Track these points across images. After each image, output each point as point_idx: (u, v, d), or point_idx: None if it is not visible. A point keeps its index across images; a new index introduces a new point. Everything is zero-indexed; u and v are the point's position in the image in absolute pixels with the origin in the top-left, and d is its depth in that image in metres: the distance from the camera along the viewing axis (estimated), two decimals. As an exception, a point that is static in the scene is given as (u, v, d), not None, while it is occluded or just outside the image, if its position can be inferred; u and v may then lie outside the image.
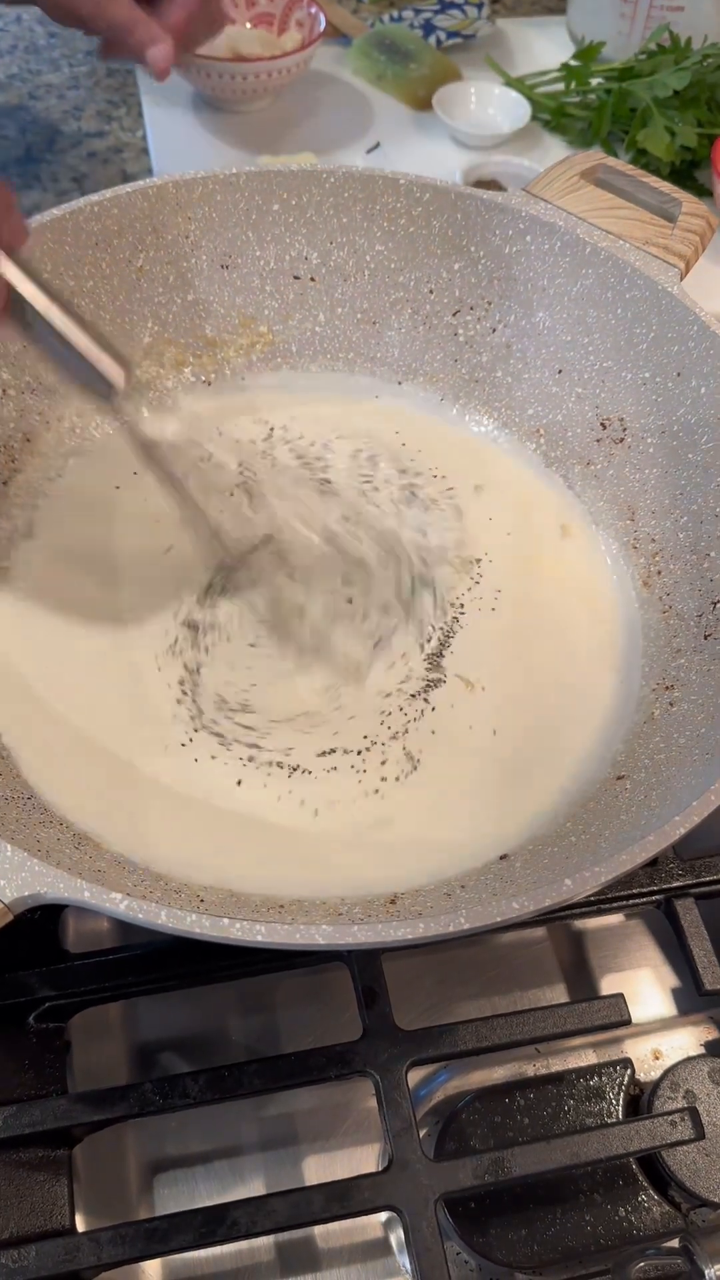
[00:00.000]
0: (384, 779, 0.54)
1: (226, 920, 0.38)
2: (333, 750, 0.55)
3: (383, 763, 0.54)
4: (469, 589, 0.62)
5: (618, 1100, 0.53)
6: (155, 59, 0.65)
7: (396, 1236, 0.51)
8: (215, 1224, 0.45)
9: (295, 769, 0.54)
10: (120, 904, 0.38)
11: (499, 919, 0.39)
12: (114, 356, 0.49)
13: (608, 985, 0.59)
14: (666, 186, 0.64)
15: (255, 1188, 0.52)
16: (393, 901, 0.48)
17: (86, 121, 1.02)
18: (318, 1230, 0.51)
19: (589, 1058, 0.55)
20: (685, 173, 0.99)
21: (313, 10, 1.00)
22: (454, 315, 0.68)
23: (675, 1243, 0.47)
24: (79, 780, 0.52)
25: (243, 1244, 0.50)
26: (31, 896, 0.39)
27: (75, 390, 0.50)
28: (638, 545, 0.63)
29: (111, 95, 1.05)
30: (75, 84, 1.06)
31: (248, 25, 1.02)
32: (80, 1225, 0.48)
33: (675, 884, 0.56)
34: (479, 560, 0.63)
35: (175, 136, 1.00)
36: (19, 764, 0.51)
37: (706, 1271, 0.43)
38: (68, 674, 0.56)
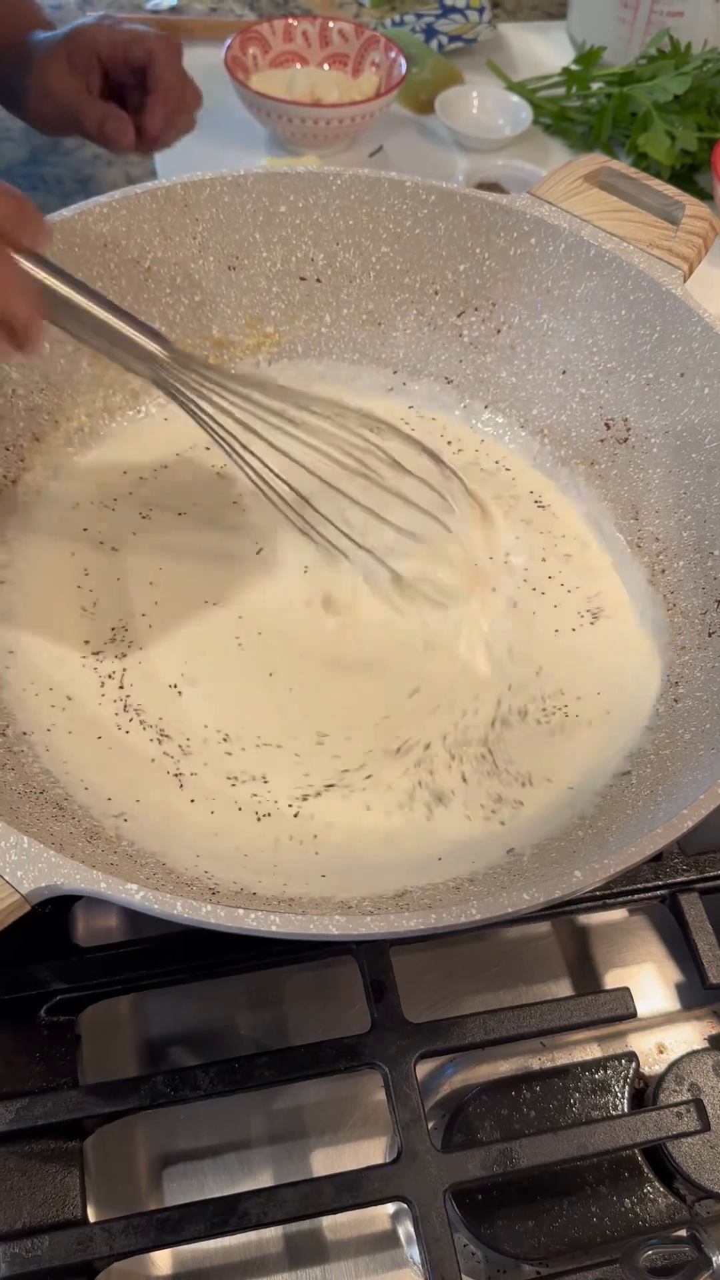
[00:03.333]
0: (392, 775, 0.54)
1: (241, 911, 0.38)
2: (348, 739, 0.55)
3: (398, 751, 0.55)
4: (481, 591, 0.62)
5: (623, 1093, 0.53)
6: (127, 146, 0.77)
7: (403, 1229, 0.51)
8: (226, 1214, 0.45)
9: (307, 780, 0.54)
10: (136, 895, 0.39)
11: (510, 910, 0.40)
12: (148, 333, 0.51)
13: (612, 980, 0.59)
14: (670, 189, 0.65)
15: (264, 1180, 0.52)
16: (401, 895, 0.49)
17: (90, 124, 1.02)
18: (326, 1222, 0.51)
19: (594, 1051, 0.56)
20: (685, 176, 1.00)
21: (392, 54, 0.99)
22: (459, 316, 0.69)
23: (683, 1232, 0.47)
24: (101, 775, 0.52)
25: (251, 1235, 0.50)
26: (48, 887, 0.39)
27: (124, 371, 0.52)
28: (642, 544, 0.63)
29: (115, 98, 1.05)
30: (79, 86, 1.06)
31: (325, 67, 1.02)
32: (91, 1216, 0.48)
33: (680, 879, 0.57)
34: (488, 559, 0.64)
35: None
36: (40, 755, 0.52)
37: (714, 1259, 0.44)
38: (85, 673, 0.56)
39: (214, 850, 0.50)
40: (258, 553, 0.62)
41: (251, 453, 0.56)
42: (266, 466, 0.57)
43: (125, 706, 0.55)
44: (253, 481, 0.58)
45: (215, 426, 0.55)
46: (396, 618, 0.60)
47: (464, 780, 0.54)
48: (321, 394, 0.60)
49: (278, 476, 0.58)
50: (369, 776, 0.54)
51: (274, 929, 0.38)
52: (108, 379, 0.65)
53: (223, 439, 0.55)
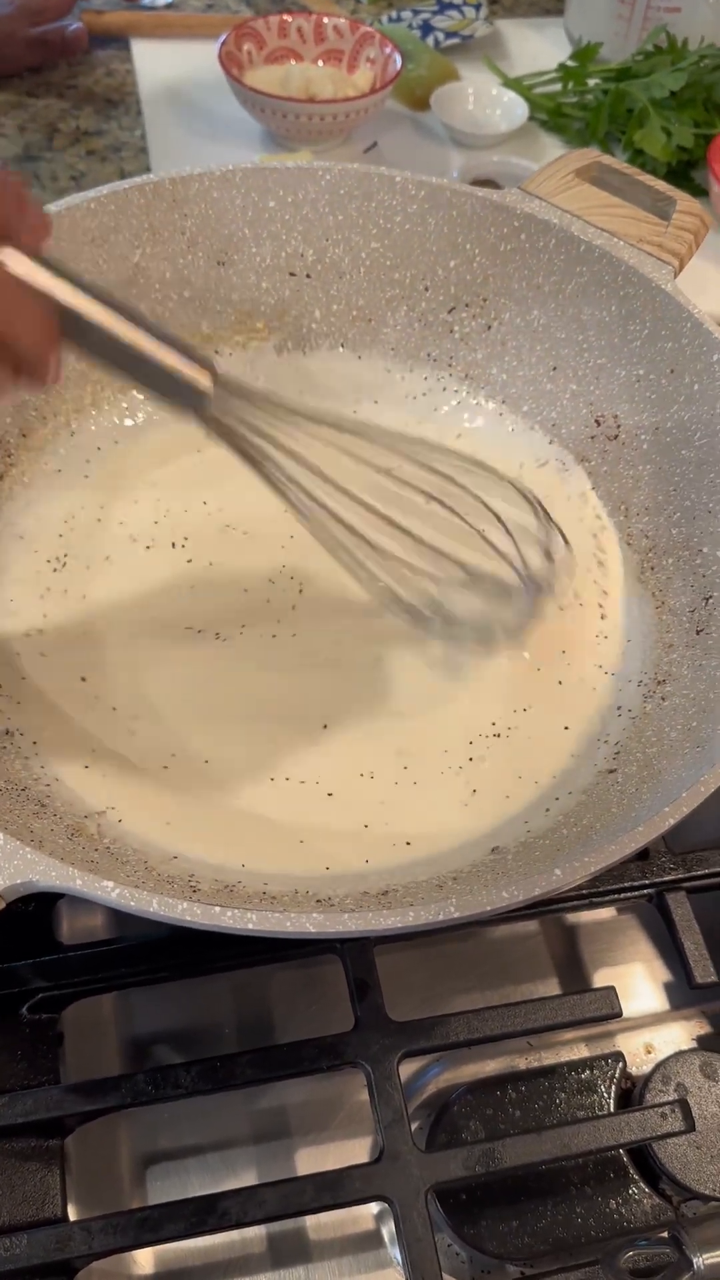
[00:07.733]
0: (379, 773, 0.54)
1: (218, 908, 0.38)
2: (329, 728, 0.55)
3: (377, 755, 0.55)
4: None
5: (609, 1093, 0.53)
6: None
7: (387, 1228, 0.51)
8: (206, 1214, 0.45)
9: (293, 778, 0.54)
10: (112, 892, 0.39)
11: (489, 908, 0.39)
12: (193, 358, 0.41)
13: (600, 980, 0.59)
14: (661, 185, 0.65)
15: (247, 1180, 0.52)
16: (385, 893, 0.48)
17: (85, 120, 1.02)
18: (309, 1221, 0.51)
19: (580, 1051, 0.55)
20: (682, 173, 0.99)
21: (387, 50, 0.99)
22: (449, 312, 0.69)
23: (664, 1233, 0.47)
24: (85, 770, 0.52)
25: (234, 1235, 0.50)
26: (24, 884, 0.39)
27: (160, 405, 0.43)
28: (631, 541, 0.63)
29: (110, 94, 1.05)
30: (73, 82, 1.06)
31: (320, 63, 1.02)
32: (72, 1215, 0.48)
33: (667, 878, 0.56)
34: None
35: (173, 135, 1.00)
36: (23, 753, 0.51)
37: (695, 1261, 0.44)
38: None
39: (194, 843, 0.50)
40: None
41: (316, 501, 0.49)
42: (333, 516, 0.50)
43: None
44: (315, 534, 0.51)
45: (279, 475, 0.47)
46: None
47: (451, 777, 0.54)
48: (321, 408, 0.58)
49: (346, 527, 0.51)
50: (360, 775, 0.54)
51: (251, 926, 0.38)
52: (95, 374, 0.65)
53: (286, 487, 0.48)
